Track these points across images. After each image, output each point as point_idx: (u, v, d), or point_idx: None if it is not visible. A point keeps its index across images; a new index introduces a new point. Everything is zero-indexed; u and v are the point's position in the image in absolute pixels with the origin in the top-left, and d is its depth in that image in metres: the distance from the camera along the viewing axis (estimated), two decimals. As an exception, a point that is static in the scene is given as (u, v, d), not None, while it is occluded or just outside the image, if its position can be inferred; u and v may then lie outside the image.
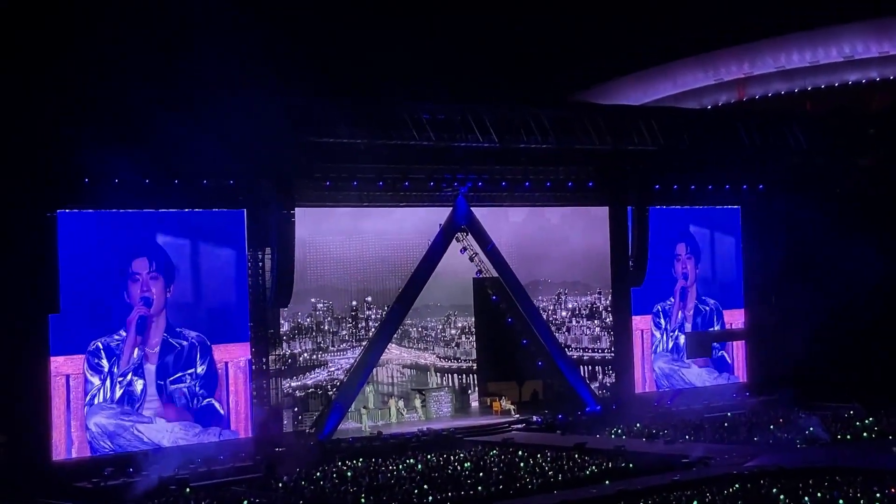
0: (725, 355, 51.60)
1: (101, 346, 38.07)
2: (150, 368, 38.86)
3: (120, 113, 35.33)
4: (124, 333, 38.45)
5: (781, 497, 30.84)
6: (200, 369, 39.81)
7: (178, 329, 39.48)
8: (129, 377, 38.45)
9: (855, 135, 50.32)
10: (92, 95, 35.21)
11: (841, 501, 30.17)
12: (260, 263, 40.77)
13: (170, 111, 35.56)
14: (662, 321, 49.77)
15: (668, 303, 50.04)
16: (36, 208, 36.39)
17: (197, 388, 39.70)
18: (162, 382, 39.02)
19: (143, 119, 35.33)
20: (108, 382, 38.05)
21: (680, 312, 50.32)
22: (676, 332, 50.13)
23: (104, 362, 38.07)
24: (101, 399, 37.90)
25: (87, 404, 37.66)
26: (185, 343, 39.58)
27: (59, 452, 37.06)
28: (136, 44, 36.25)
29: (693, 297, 50.78)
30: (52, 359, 37.14)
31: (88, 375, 37.74)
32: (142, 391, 38.58)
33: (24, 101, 34.75)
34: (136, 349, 38.61)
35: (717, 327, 51.35)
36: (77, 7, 38.80)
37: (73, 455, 37.27)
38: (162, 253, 39.25)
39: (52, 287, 36.47)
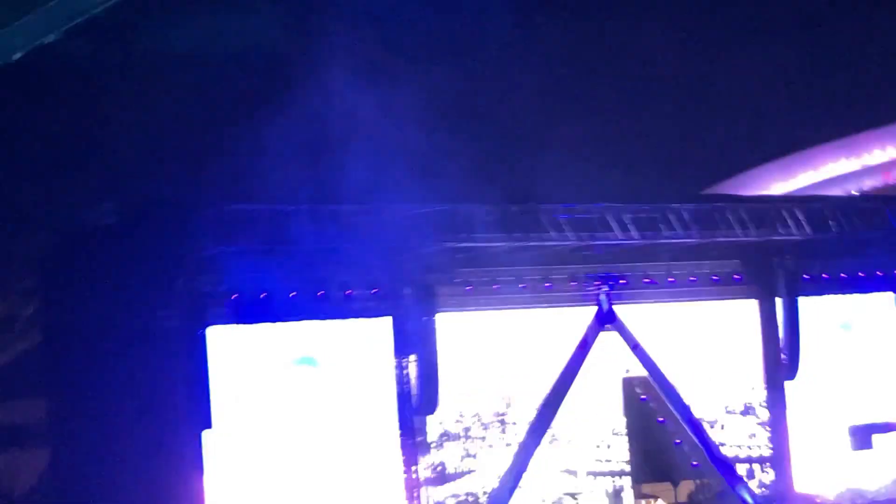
0: (891, 447, 49.68)
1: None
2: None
3: (265, 227, 35.84)
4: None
5: None
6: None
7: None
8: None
9: None
10: (237, 211, 35.75)
11: None
12: (405, 371, 40.67)
13: (315, 224, 36.01)
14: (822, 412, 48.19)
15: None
16: (185, 326, 36.84)
17: None
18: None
19: (288, 233, 35.80)
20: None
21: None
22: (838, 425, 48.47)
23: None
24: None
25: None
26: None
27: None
28: (279, 157, 36.76)
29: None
30: (209, 476, 37.17)
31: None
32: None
33: (167, 220, 35.36)
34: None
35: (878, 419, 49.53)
36: (220, 126, 39.60)
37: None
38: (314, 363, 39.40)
39: (205, 403, 36.75)
